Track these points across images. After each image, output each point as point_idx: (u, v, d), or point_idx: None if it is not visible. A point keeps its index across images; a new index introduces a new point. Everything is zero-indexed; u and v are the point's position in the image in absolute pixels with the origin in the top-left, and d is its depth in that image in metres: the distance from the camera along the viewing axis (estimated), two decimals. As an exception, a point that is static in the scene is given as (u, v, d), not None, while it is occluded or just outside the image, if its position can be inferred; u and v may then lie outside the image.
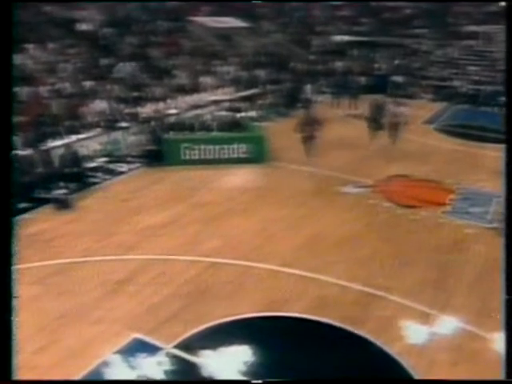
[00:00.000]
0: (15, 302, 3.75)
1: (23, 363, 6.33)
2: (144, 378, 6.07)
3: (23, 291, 7.82)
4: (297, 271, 8.30)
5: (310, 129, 13.77)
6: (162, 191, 11.93)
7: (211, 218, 10.35)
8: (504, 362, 3.81)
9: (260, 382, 3.99)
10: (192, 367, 6.30)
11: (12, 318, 3.21)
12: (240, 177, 13.14)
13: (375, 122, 15.70)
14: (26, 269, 8.49)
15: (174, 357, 6.46)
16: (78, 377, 6.06)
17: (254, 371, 6.13)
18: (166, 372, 6.21)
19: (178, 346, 6.60)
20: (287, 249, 9.14)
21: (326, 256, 8.87)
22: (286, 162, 13.20)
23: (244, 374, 6.12)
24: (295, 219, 10.39)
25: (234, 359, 6.40)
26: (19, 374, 6.06)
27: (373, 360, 6.49)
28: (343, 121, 18.58)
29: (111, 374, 6.15)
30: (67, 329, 6.93)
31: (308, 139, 13.81)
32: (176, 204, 11.12)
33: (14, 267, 3.50)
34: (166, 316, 7.15)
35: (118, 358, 6.40)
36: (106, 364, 6.29)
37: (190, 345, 6.63)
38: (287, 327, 7.13)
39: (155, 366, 6.30)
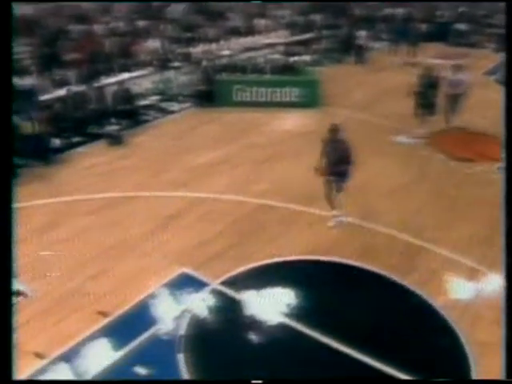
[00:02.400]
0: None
1: (76, 289, 6.68)
2: (189, 313, 6.22)
3: (77, 222, 8.20)
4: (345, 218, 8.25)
5: (337, 166, 7.66)
6: (213, 131, 11.96)
7: (261, 161, 10.33)
8: (504, 361, 3.78)
9: (260, 382, 4.00)
10: (236, 305, 6.41)
11: (11, 317, 3.19)
12: (292, 120, 13.00)
13: (425, 99, 11.87)
14: (79, 201, 8.77)
15: (220, 293, 6.59)
16: (127, 305, 6.29)
17: (296, 314, 6.20)
18: (210, 308, 6.36)
19: (223, 283, 6.73)
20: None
21: (375, 205, 8.76)
22: (339, 108, 12.93)
23: (286, 315, 6.20)
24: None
25: (276, 300, 6.49)
26: (73, 298, 6.43)
27: (416, 311, 6.44)
28: (400, 69, 17.97)
29: (158, 306, 6.35)
30: (118, 259, 7.16)
31: (335, 181, 7.90)
32: (226, 144, 11.15)
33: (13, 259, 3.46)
34: (214, 253, 7.27)
35: (165, 291, 6.59)
36: (153, 296, 6.49)
37: (236, 283, 6.73)
38: (332, 272, 7.13)
39: (200, 301, 6.46)
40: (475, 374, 5.39)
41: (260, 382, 3.98)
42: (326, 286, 6.79)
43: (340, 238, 7.76)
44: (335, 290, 6.74)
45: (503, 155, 4.22)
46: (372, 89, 13.22)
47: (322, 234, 7.82)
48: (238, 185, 9.31)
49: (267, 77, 14.92)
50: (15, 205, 5.06)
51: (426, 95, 11.86)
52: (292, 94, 14.04)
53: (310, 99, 13.86)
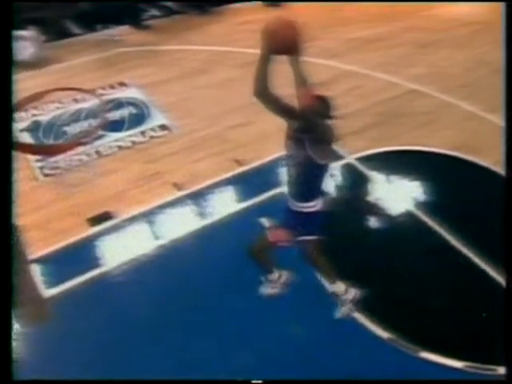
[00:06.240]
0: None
1: (217, 135, 6.92)
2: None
3: (226, 72, 8.34)
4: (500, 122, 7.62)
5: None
6: (374, 8, 11.21)
7: (421, 45, 9.56)
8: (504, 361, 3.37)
9: (260, 381, 3.85)
10: (366, 183, 6.31)
11: (12, 316, 3.07)
12: (460, 8, 11.81)
13: None
14: (230, 52, 8.84)
15: (353, 168, 6.50)
16: (262, 160, 6.43)
17: (424, 206, 5.97)
18: (340, 180, 6.33)
19: (358, 159, 6.61)
20: (495, 94, 8.30)
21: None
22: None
23: (413, 204, 6.01)
24: (512, 66, 9.29)
25: (406, 188, 6.29)
26: (213, 142, 6.69)
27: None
28: None
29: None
30: (260, 114, 7.10)
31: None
32: (387, 23, 10.40)
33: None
34: (354, 128, 7.06)
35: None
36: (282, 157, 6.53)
37: (371, 162, 6.57)
38: (473, 173, 6.71)
39: (332, 171, 6.40)
40: None
41: (260, 381, 3.95)
42: (463, 186, 6.41)
43: (489, 140, 7.21)
44: (471, 191, 6.34)
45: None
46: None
47: (472, 132, 7.29)
48: (393, 65, 8.77)
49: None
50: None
51: None
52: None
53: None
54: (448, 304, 4.91)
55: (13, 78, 3.06)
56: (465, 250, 5.37)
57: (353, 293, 4.55)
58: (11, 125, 3.15)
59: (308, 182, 3.94)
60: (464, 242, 5.44)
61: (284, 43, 3.43)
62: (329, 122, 3.84)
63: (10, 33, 3.19)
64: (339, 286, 4.52)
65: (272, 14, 10.20)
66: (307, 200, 4.02)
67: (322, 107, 3.79)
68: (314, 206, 4.04)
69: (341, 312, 4.60)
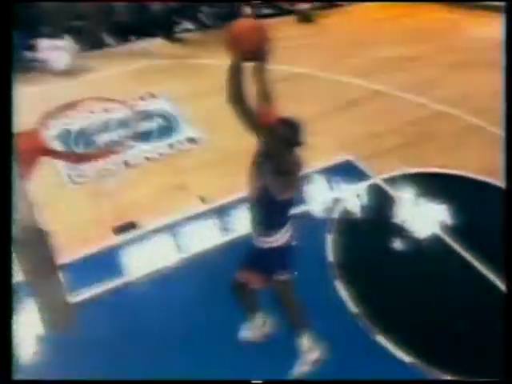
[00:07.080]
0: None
1: (245, 150, 6.88)
2: (345, 200, 6.20)
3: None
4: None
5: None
6: (407, 26, 11.18)
7: (452, 65, 9.47)
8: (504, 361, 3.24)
9: (260, 382, 3.74)
10: (392, 204, 6.23)
11: (12, 317, 3.03)
12: (497, 27, 11.67)
13: None
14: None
15: (379, 189, 6.44)
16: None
17: (449, 230, 5.84)
18: (366, 200, 6.27)
19: (385, 180, 6.55)
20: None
21: None
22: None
23: (439, 229, 5.89)
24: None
25: (432, 212, 6.17)
26: (242, 156, 6.64)
27: None
28: None
29: (317, 186, 6.40)
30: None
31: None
32: (420, 43, 10.35)
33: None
34: (383, 148, 7.04)
35: (326, 174, 6.58)
36: (314, 175, 6.50)
37: (397, 183, 6.50)
38: (500, 199, 6.56)
39: (359, 191, 6.37)
40: None
41: (260, 381, 3.84)
42: (490, 210, 6.25)
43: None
44: (497, 215, 6.19)
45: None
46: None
47: (499, 156, 7.15)
48: (422, 86, 8.71)
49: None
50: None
51: None
52: (502, -3, 12.43)
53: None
54: (473, 329, 4.82)
55: (13, 78, 3.04)
56: (491, 275, 5.27)
57: (316, 353, 4.03)
58: (11, 128, 3.20)
59: (266, 216, 3.46)
60: (490, 267, 5.34)
61: (248, 47, 3.03)
62: (295, 150, 3.33)
63: (10, 33, 3.16)
64: (304, 342, 4.00)
65: (303, 31, 10.28)
66: (267, 235, 3.54)
67: (286, 132, 3.26)
68: (276, 241, 3.55)
69: (298, 370, 4.05)
